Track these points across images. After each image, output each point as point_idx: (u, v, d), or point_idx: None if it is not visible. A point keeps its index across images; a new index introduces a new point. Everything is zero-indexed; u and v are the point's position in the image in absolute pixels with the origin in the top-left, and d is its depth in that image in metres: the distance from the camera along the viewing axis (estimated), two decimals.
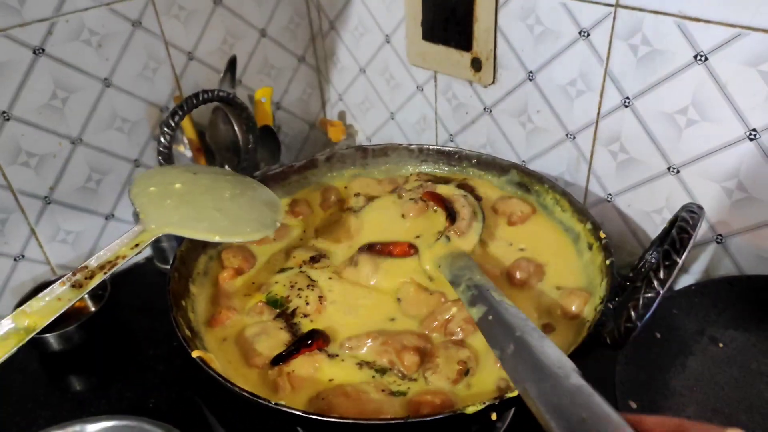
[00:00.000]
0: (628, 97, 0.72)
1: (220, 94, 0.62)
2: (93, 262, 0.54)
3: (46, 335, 0.78)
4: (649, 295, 0.38)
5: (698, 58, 0.64)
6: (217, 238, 0.56)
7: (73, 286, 0.52)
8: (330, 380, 0.51)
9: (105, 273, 0.54)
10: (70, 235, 0.90)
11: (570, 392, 0.32)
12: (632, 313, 0.39)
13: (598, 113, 0.76)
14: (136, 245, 0.55)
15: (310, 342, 0.53)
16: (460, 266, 0.56)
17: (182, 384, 0.75)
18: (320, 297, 0.60)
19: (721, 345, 0.58)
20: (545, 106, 0.81)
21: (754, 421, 0.51)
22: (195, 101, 0.59)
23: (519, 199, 0.73)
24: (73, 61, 0.82)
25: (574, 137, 0.80)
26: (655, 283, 0.37)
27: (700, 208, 0.38)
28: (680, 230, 0.37)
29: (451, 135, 0.97)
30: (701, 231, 0.72)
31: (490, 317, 0.44)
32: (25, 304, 0.51)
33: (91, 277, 0.53)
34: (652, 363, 0.55)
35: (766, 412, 0.52)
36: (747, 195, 0.67)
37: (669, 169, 0.72)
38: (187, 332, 0.51)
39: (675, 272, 0.37)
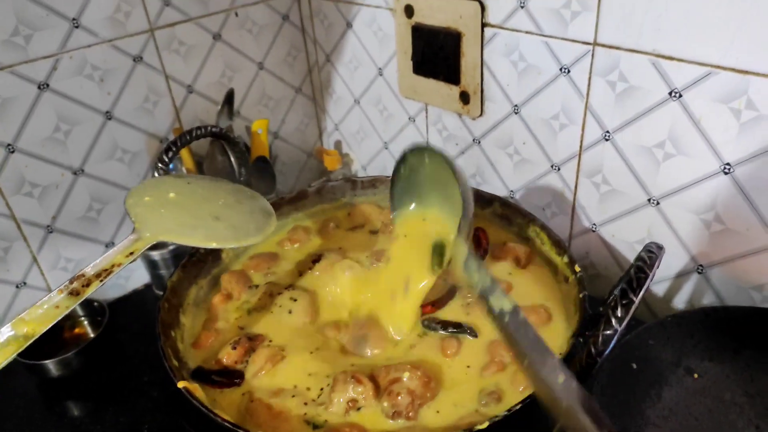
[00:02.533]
0: (608, 131, 0.74)
1: (213, 129, 0.65)
2: (89, 270, 0.55)
3: (46, 362, 0.80)
4: (608, 332, 0.39)
5: (673, 94, 0.66)
6: (214, 245, 0.58)
7: (70, 293, 0.53)
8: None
9: (101, 281, 0.55)
10: (71, 263, 0.93)
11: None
12: (592, 348, 0.40)
13: (581, 146, 0.78)
14: (131, 253, 0.56)
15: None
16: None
17: (175, 410, 0.77)
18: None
19: (696, 375, 0.59)
20: (531, 138, 0.83)
21: None
22: (189, 137, 0.62)
23: (515, 243, 0.73)
24: (76, 96, 0.85)
25: (559, 168, 0.82)
26: (613, 321, 0.39)
27: (660, 248, 0.40)
28: (637, 270, 0.39)
29: None
30: (682, 261, 0.74)
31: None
32: (24, 313, 0.53)
33: (88, 285, 0.54)
34: (628, 392, 0.56)
35: None
36: (724, 227, 0.68)
37: (649, 200, 0.74)
38: (175, 362, 0.53)
39: (632, 310, 0.39)
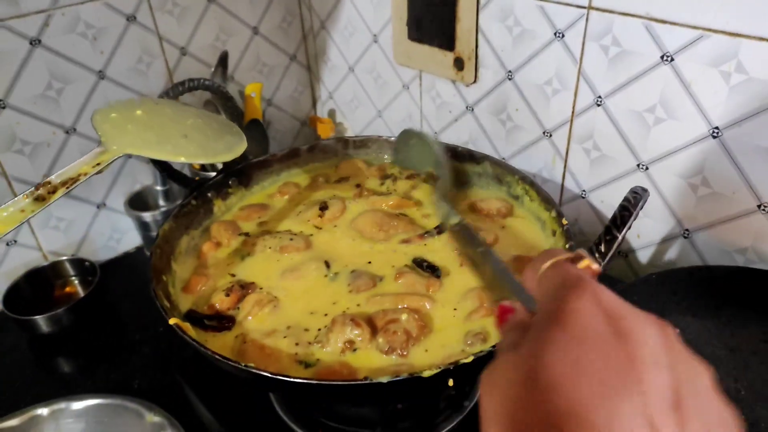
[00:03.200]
0: (600, 96, 0.75)
1: (206, 82, 0.65)
2: (55, 179, 0.55)
3: (36, 317, 0.80)
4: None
5: (665, 58, 0.67)
6: (182, 159, 0.58)
7: (36, 199, 0.54)
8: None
9: (67, 188, 0.55)
10: (62, 223, 0.93)
11: None
12: None
13: (573, 112, 0.79)
14: (98, 164, 0.56)
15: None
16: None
17: (166, 366, 0.78)
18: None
19: (677, 330, 0.60)
20: (523, 104, 0.84)
21: None
22: (181, 88, 0.62)
23: (496, 198, 0.75)
24: (68, 53, 0.84)
25: (551, 135, 0.83)
26: (597, 255, 0.40)
27: (644, 190, 0.41)
28: (622, 208, 0.40)
29: (435, 132, 1.00)
30: (668, 226, 0.75)
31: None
32: None
33: (54, 192, 0.54)
34: None
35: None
36: (711, 191, 0.70)
37: (639, 166, 0.75)
38: (166, 303, 0.54)
39: (615, 246, 0.40)
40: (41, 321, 0.81)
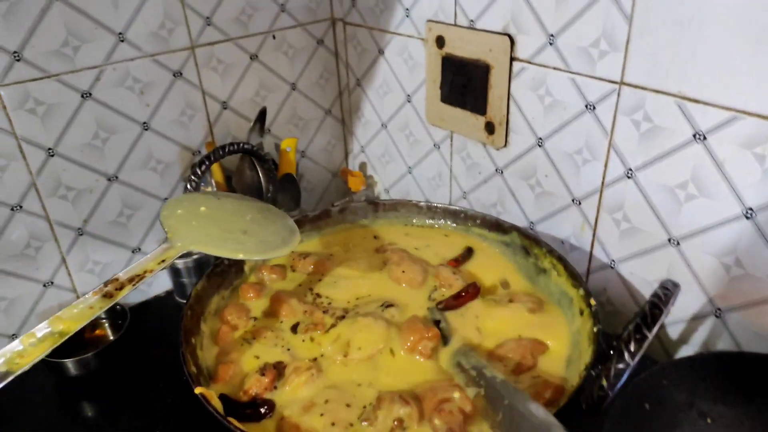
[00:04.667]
0: (631, 169, 0.75)
1: (245, 146, 0.67)
2: (122, 276, 0.59)
3: (65, 360, 0.82)
4: (620, 366, 0.40)
5: (697, 137, 0.67)
6: (241, 256, 0.61)
7: (104, 296, 0.57)
8: None
9: (133, 285, 0.58)
10: (98, 266, 0.96)
11: None
12: (604, 382, 0.41)
13: (603, 182, 0.79)
14: (163, 261, 0.60)
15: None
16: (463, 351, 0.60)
17: (188, 417, 0.78)
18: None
19: (709, 420, 0.58)
20: (553, 171, 0.84)
21: None
22: (221, 152, 0.64)
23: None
24: (116, 105, 0.89)
25: (580, 203, 0.83)
26: (626, 355, 0.40)
27: (675, 285, 0.40)
28: (652, 306, 0.39)
29: (464, 192, 1.01)
30: (699, 303, 0.74)
31: (483, 393, 0.48)
32: (61, 311, 0.56)
33: (121, 288, 0.58)
34: None
35: None
36: (744, 272, 0.68)
37: (669, 240, 0.74)
38: (193, 369, 0.54)
39: (645, 345, 0.39)
40: (70, 364, 0.83)
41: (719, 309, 0.72)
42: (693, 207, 0.70)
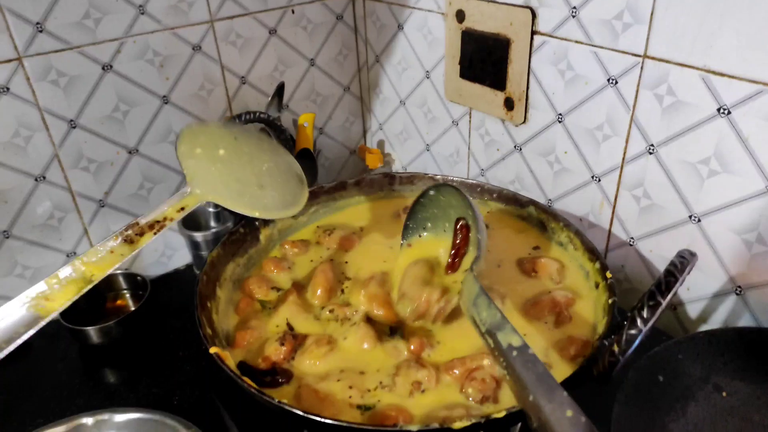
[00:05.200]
0: (652, 145, 0.74)
1: (261, 115, 0.67)
2: (142, 221, 0.57)
3: (88, 328, 0.84)
4: (632, 332, 0.39)
5: (721, 111, 0.66)
6: (257, 214, 0.60)
7: (125, 240, 0.55)
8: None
9: (154, 232, 0.56)
10: None
11: None
12: (615, 347, 0.41)
13: (623, 158, 0.78)
14: (182, 209, 0.58)
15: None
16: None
17: (205, 385, 0.80)
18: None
19: (724, 394, 0.58)
20: (573, 147, 0.83)
21: None
22: (238, 120, 0.64)
23: (548, 258, 0.74)
24: (136, 78, 0.89)
25: (600, 180, 0.82)
26: (638, 321, 0.39)
27: (692, 254, 0.40)
28: (667, 273, 0.39)
29: (482, 170, 1.00)
30: (720, 281, 0.73)
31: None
32: (82, 255, 0.54)
33: (141, 234, 0.56)
34: (652, 405, 0.55)
35: None
36: (766, 248, 0.67)
37: (690, 217, 0.73)
38: (208, 330, 0.55)
39: (658, 312, 0.39)
40: (92, 332, 0.85)
41: (740, 287, 0.71)
42: (715, 183, 0.69)
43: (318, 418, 0.44)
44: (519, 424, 0.53)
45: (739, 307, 0.72)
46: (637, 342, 0.39)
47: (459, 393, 0.53)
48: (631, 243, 0.81)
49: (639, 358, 0.58)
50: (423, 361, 0.54)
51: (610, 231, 0.84)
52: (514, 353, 0.44)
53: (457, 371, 0.55)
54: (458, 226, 0.64)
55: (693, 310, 0.77)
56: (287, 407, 0.44)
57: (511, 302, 0.64)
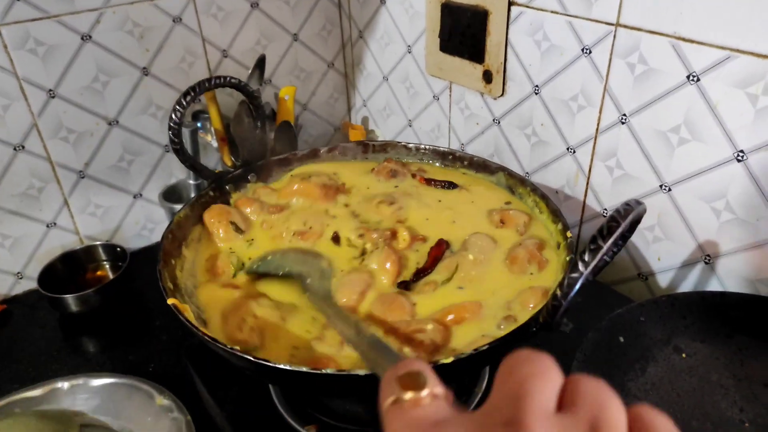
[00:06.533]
0: (625, 114, 0.74)
1: (232, 80, 0.68)
2: None
3: (67, 296, 0.85)
4: (574, 275, 0.40)
5: (691, 78, 0.66)
6: None
7: None
8: None
9: None
10: (100, 209, 0.98)
11: None
12: (558, 291, 0.41)
13: (597, 129, 0.78)
14: None
15: None
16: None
17: (180, 353, 0.80)
18: None
19: (684, 355, 0.58)
20: (549, 119, 0.83)
21: (705, 429, 0.52)
22: (207, 84, 0.65)
23: (516, 210, 0.74)
24: (116, 49, 0.90)
25: (575, 151, 0.82)
26: (580, 265, 0.40)
27: (638, 203, 0.40)
28: (611, 219, 0.39)
29: (462, 144, 1.00)
30: (689, 250, 0.73)
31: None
32: None
33: None
34: (611, 364, 0.56)
35: (718, 422, 0.52)
36: (735, 216, 0.67)
37: (661, 186, 0.73)
38: (169, 284, 0.56)
39: (599, 256, 0.39)
40: (71, 300, 0.85)
41: (708, 255, 0.71)
42: (685, 151, 0.69)
43: (266, 363, 0.44)
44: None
45: (707, 275, 0.72)
46: (578, 285, 0.39)
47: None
48: (605, 214, 0.82)
49: (600, 320, 0.59)
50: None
51: (584, 203, 0.84)
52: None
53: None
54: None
55: (663, 280, 0.78)
56: (240, 354, 0.45)
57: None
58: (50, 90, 0.86)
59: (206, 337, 0.47)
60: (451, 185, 0.75)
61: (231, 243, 0.68)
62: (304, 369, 0.43)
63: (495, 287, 0.59)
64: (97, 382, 0.74)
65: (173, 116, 0.61)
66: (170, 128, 0.62)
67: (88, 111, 0.91)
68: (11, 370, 0.80)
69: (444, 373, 0.44)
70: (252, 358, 0.45)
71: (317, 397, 0.61)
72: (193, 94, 0.62)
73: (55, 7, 0.83)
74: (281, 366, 0.43)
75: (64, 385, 0.74)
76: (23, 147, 0.87)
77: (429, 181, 0.77)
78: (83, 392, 0.74)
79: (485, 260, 0.62)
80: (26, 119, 0.86)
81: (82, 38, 0.86)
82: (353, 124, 1.18)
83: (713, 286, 0.72)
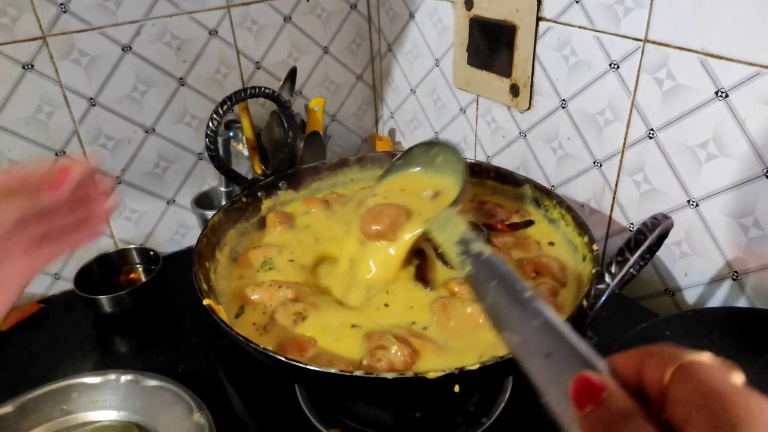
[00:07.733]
0: (652, 129, 0.74)
1: (266, 91, 0.70)
2: None
3: (101, 297, 0.87)
4: (600, 286, 0.40)
5: (719, 94, 0.66)
6: None
7: None
8: None
9: None
10: (135, 214, 1.01)
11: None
12: (584, 302, 0.42)
13: (624, 143, 0.78)
14: None
15: None
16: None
17: (210, 355, 0.82)
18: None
19: None
20: (575, 133, 0.84)
21: None
22: (243, 94, 0.67)
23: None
24: (154, 60, 0.93)
25: (601, 165, 0.82)
26: (607, 276, 0.40)
27: (666, 217, 0.41)
28: (638, 232, 0.40)
29: (488, 156, 1.01)
30: (717, 266, 0.73)
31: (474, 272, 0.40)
32: None
33: None
34: None
35: None
36: (763, 233, 0.67)
37: (689, 202, 0.73)
38: (204, 286, 0.58)
39: (626, 268, 0.40)
40: (105, 301, 0.88)
41: (736, 272, 0.71)
42: (713, 167, 0.69)
43: (296, 364, 0.45)
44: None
45: (736, 292, 0.72)
46: (604, 297, 0.40)
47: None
48: (631, 228, 0.82)
49: (626, 334, 0.59)
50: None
51: (610, 217, 0.84)
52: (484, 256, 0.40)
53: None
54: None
55: (690, 296, 0.77)
56: (271, 354, 0.46)
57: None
58: (91, 98, 0.90)
59: (239, 337, 0.48)
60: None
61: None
62: (333, 371, 0.44)
63: None
64: (125, 378, 0.75)
65: (210, 124, 0.64)
66: (207, 136, 0.64)
67: (127, 119, 0.94)
68: (46, 367, 0.83)
69: (468, 380, 0.45)
70: (283, 358, 0.46)
71: (345, 399, 0.62)
72: (229, 103, 0.65)
73: (98, 20, 0.87)
74: (311, 367, 0.45)
75: (95, 380, 0.76)
76: (64, 152, 0.91)
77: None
78: (112, 387, 0.75)
79: None
80: (68, 126, 0.90)
81: (122, 49, 0.90)
82: (380, 136, 1.20)
83: (741, 303, 0.71)
